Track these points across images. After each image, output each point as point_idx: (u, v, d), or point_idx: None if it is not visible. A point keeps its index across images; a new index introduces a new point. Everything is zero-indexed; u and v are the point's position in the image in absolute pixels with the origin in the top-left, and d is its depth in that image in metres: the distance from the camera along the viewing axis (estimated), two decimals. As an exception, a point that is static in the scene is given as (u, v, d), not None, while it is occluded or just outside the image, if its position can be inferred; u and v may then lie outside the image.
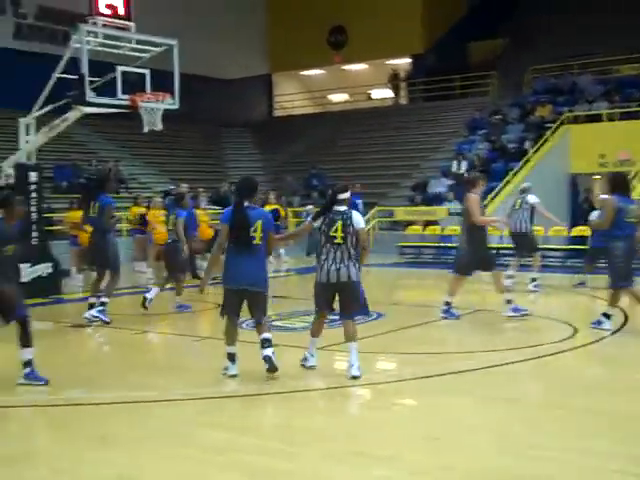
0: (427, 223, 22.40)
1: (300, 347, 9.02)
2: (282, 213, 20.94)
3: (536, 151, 23.77)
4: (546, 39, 32.09)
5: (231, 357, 7.60)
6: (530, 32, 33.32)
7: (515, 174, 22.59)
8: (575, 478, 4.89)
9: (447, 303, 10.89)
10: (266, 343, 7.42)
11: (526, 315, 10.67)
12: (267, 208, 20.17)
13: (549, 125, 24.70)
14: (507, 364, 8.03)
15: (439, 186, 23.89)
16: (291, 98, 38.36)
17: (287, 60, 37.14)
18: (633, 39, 28.28)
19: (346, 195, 7.51)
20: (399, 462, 5.19)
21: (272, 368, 7.33)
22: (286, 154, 32.33)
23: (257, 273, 7.45)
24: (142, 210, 18.51)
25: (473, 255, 10.53)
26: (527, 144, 24.22)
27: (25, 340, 7.35)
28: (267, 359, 7.36)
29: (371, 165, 28.28)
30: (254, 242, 7.35)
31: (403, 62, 35.48)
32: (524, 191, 14.15)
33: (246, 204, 7.40)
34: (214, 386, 7.32)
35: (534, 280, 14.06)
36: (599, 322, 9.64)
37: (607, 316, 9.62)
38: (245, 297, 7.50)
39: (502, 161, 24.26)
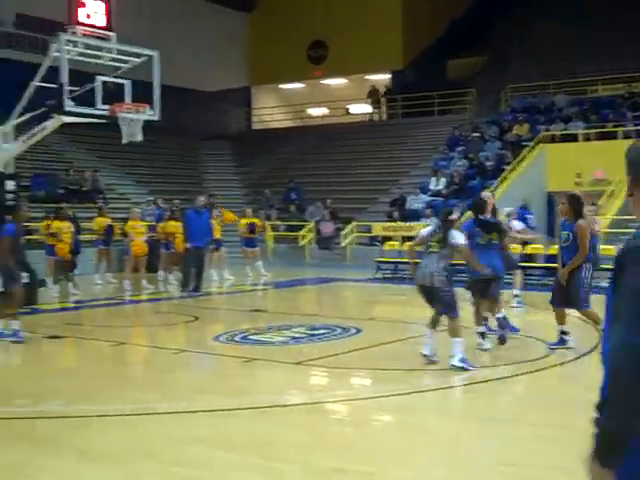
0: (405, 239, 22.41)
1: (277, 361, 8.99)
2: (259, 226, 20.97)
3: (513, 169, 23.92)
4: (523, 58, 32.36)
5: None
6: (508, 50, 33.62)
7: (492, 192, 22.67)
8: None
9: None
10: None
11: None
12: (243, 221, 20.27)
13: (526, 143, 24.89)
14: (485, 382, 8.03)
15: (417, 202, 23.95)
16: (270, 111, 38.39)
17: (267, 73, 37.18)
18: (610, 60, 28.68)
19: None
20: (379, 478, 5.17)
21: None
22: (264, 167, 32.29)
23: None
24: (107, 221, 18.59)
25: None
26: (504, 162, 24.39)
27: None
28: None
29: (349, 180, 28.32)
30: None
31: (383, 78, 35.64)
32: (509, 215, 14.20)
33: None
34: (191, 400, 7.25)
35: (517, 297, 14.13)
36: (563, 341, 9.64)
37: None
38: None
39: (480, 178, 24.40)
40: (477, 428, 6.41)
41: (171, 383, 8.16)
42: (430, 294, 8.40)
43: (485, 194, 11.69)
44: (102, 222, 18.61)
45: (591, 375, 8.53)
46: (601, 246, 17.58)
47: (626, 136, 23.94)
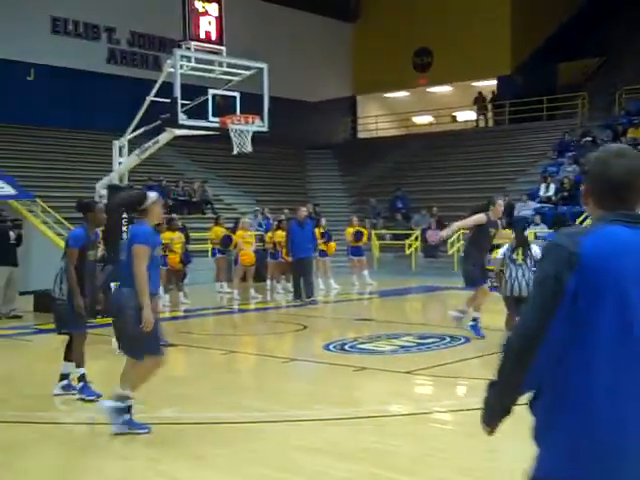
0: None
1: (387, 370, 8.97)
2: (365, 235, 20.96)
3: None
4: (638, 59, 31.33)
5: None
6: (622, 51, 32.60)
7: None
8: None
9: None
10: None
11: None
12: (349, 230, 20.33)
13: (641, 147, 24.10)
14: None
15: (526, 209, 23.50)
16: (375, 120, 38.42)
17: (371, 82, 37.19)
18: None
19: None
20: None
21: None
22: (369, 176, 32.32)
23: None
24: (224, 230, 18.81)
25: None
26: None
27: (68, 354, 7.53)
28: None
29: (455, 187, 28.02)
30: None
31: (489, 84, 35.15)
32: None
33: None
34: (303, 408, 7.30)
35: None
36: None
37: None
38: None
39: (591, 184, 23.70)
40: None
41: (282, 391, 8.23)
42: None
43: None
44: (219, 231, 18.92)
45: None
46: None
47: None
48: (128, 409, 6.32)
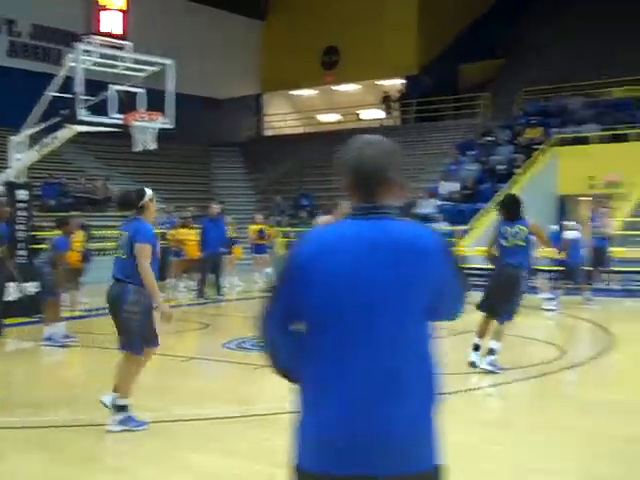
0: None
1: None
2: (271, 233, 21.03)
3: (524, 173, 23.89)
4: (538, 62, 32.33)
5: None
6: (523, 54, 33.56)
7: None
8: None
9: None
10: None
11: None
12: (253, 228, 20.36)
13: (538, 147, 24.86)
14: (494, 386, 8.06)
15: (428, 207, 23.96)
16: (281, 118, 38.49)
17: (279, 80, 37.25)
18: (625, 64, 28.62)
19: None
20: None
21: None
22: (275, 173, 32.37)
23: None
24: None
25: None
26: (516, 166, 24.38)
27: None
28: None
29: (361, 185, 28.32)
30: None
31: (395, 83, 35.66)
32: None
33: None
34: (201, 408, 7.30)
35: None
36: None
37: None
38: None
39: (491, 182, 24.39)
40: (494, 433, 6.42)
41: (177, 390, 8.17)
42: None
43: None
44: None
45: (596, 378, 8.57)
46: (613, 248, 17.70)
47: (639, 138, 23.90)
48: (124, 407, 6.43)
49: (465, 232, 21.13)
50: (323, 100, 38.24)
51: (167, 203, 24.27)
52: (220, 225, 17.36)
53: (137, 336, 6.34)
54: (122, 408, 6.38)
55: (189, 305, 16.16)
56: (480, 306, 8.49)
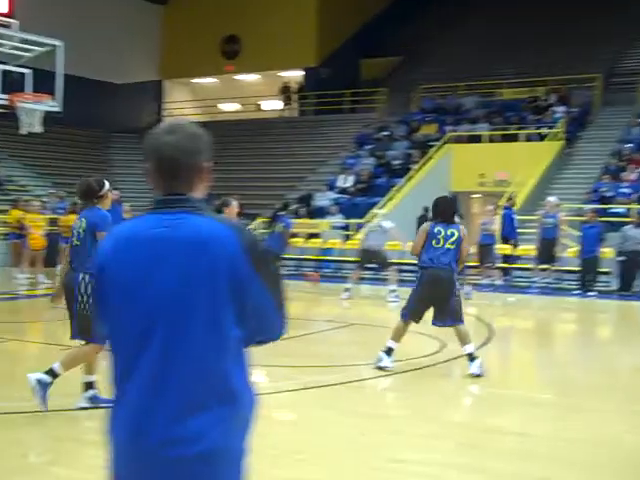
0: (310, 236, 22.54)
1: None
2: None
3: (420, 168, 24.33)
4: (435, 59, 32.94)
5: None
6: (421, 52, 34.10)
7: (398, 190, 23.06)
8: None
9: None
10: None
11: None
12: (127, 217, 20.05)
13: (433, 143, 25.34)
14: (374, 378, 8.17)
15: (324, 199, 24.12)
16: (181, 106, 38.01)
17: (179, 67, 36.78)
18: (516, 66, 29.53)
19: None
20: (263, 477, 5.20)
21: None
22: (175, 161, 31.92)
23: None
24: (22, 214, 18.00)
25: None
26: (411, 161, 24.79)
27: None
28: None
29: (258, 176, 28.30)
30: None
31: (296, 74, 35.70)
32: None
33: None
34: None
35: (393, 291, 14.89)
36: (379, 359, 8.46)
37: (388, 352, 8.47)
38: None
39: (386, 177, 24.73)
40: (365, 424, 6.50)
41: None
42: None
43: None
44: (17, 215, 18.04)
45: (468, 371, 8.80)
46: (499, 245, 18.23)
47: (528, 138, 24.66)
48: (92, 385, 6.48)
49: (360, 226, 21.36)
50: (224, 89, 37.95)
51: (58, 188, 23.65)
52: (117, 212, 16.97)
53: (92, 322, 6.22)
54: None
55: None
56: (408, 314, 8.43)
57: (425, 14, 36.25)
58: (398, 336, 8.44)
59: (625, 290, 17.09)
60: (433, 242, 8.32)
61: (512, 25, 32.59)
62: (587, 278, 17.19)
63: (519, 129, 25.26)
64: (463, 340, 8.25)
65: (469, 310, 13.86)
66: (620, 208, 19.73)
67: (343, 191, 24.20)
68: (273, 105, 36.53)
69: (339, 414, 6.77)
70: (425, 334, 10.92)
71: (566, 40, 30.28)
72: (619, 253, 17.26)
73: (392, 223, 15.46)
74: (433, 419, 6.65)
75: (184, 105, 37.89)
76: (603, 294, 16.83)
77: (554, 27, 31.31)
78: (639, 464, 5.55)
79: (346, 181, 24.69)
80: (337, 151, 28.67)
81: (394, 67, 35.24)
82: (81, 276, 6.35)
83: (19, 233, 17.82)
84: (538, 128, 24.94)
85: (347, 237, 21.55)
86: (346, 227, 22.18)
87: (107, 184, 6.73)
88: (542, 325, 14.19)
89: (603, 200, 20.46)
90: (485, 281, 17.53)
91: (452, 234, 8.34)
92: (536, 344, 11.63)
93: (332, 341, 10.93)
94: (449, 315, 8.28)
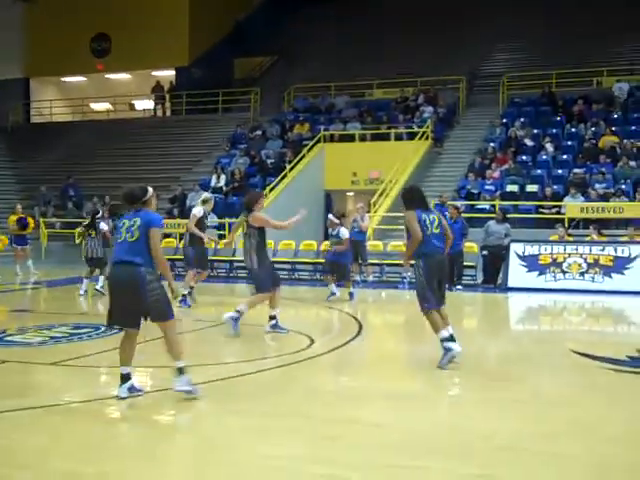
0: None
1: (30, 362, 8.73)
2: (31, 223, 20.20)
3: (293, 167, 24.51)
4: (308, 59, 33.26)
5: None
6: (294, 52, 34.38)
7: (272, 189, 23.14)
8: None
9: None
10: None
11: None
12: (13, 218, 19.44)
13: (307, 142, 25.57)
14: (242, 375, 8.18)
15: (198, 199, 23.87)
16: (50, 105, 36.93)
17: (47, 65, 35.77)
18: (387, 66, 30.19)
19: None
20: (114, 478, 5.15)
21: None
22: (43, 163, 31.03)
23: None
24: None
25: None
26: (285, 160, 24.94)
27: None
28: None
29: (130, 177, 27.67)
30: None
31: (168, 74, 35.30)
32: (205, 202, 14.75)
33: None
34: None
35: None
36: None
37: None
38: None
39: (260, 176, 24.79)
40: (233, 422, 6.50)
41: None
42: None
43: None
44: None
45: (334, 366, 8.96)
46: (370, 242, 18.58)
47: (397, 137, 25.24)
48: (128, 377, 7.07)
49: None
50: (95, 88, 37.15)
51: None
52: None
53: (167, 305, 7.02)
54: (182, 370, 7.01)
55: None
56: (432, 303, 8.72)
57: (297, 14, 36.59)
58: (440, 325, 8.69)
59: (489, 283, 17.73)
60: (426, 230, 8.52)
61: (383, 27, 33.32)
62: (453, 272, 17.69)
63: (389, 128, 25.80)
64: (445, 320, 8.78)
65: (341, 306, 14.12)
66: (485, 204, 20.46)
67: (216, 190, 24.10)
68: (146, 105, 36.00)
69: (202, 413, 6.77)
70: (296, 331, 11.04)
71: (434, 43, 31.22)
72: (483, 247, 17.87)
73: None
74: (297, 413, 6.73)
75: (53, 104, 36.85)
76: (468, 287, 17.41)
77: (423, 30, 32.21)
78: (483, 448, 5.78)
79: (219, 180, 24.59)
80: (210, 151, 28.55)
81: (267, 67, 35.41)
82: (144, 270, 6.82)
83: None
84: (408, 128, 25.54)
85: (221, 237, 21.44)
86: (217, 227, 22.08)
87: (151, 190, 7.25)
88: (411, 320, 14.52)
89: (469, 197, 21.17)
90: (358, 277, 17.81)
91: (434, 219, 8.63)
92: (405, 338, 11.92)
93: (204, 340, 10.86)
94: (444, 296, 8.97)
